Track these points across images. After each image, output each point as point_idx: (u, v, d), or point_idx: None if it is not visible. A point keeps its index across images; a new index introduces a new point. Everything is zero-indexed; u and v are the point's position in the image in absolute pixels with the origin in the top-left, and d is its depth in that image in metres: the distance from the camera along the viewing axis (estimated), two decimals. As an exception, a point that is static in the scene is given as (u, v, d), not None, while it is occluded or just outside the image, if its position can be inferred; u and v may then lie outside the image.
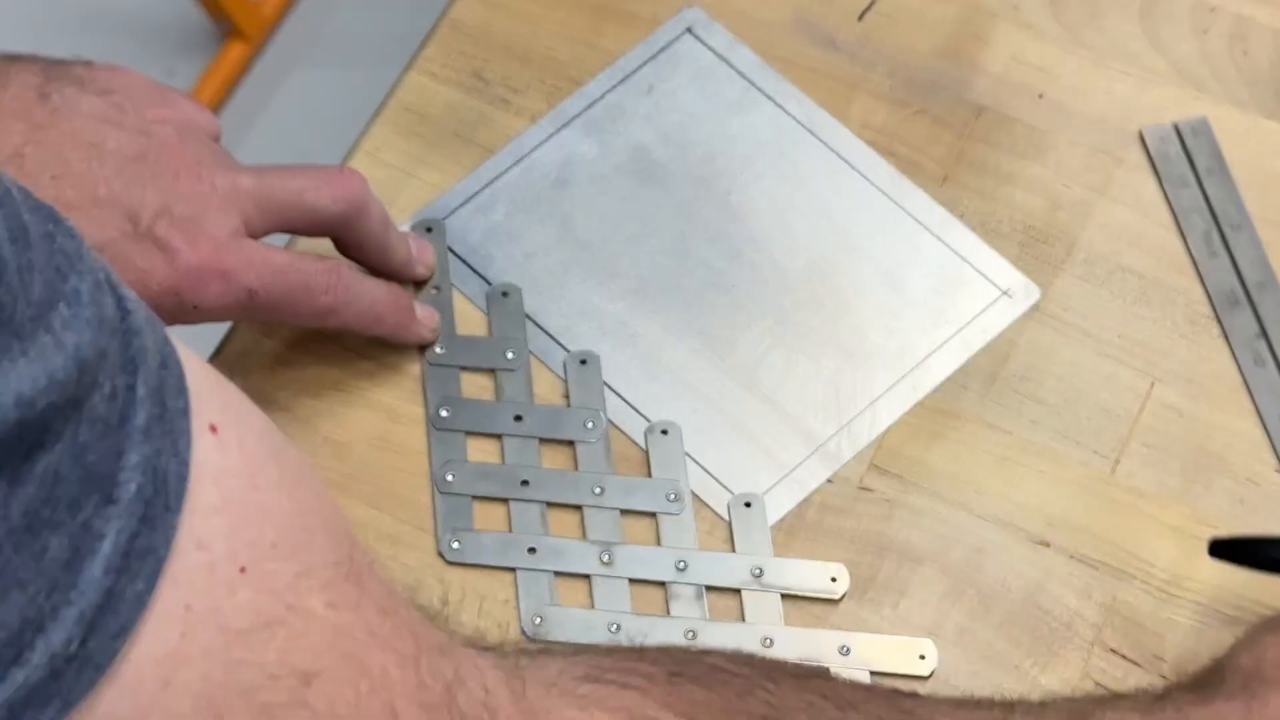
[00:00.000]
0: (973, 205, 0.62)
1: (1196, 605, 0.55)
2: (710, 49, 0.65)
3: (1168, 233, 0.61)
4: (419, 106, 0.65)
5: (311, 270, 0.54)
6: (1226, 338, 0.59)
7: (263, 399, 0.59)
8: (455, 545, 0.56)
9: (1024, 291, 0.60)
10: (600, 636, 0.54)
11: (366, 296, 0.56)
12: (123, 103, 0.52)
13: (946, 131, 0.63)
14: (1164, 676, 0.54)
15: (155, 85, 0.54)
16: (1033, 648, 0.54)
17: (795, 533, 0.56)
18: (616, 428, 0.58)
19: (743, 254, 0.61)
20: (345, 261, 0.56)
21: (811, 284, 0.60)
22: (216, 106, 1.51)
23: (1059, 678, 0.54)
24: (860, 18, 0.66)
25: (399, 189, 0.63)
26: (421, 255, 0.59)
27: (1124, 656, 0.54)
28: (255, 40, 1.53)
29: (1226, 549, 0.52)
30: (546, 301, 0.60)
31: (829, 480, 0.57)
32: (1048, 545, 0.56)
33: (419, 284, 0.60)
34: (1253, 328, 0.57)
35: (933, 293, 0.60)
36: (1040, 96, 0.64)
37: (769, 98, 0.64)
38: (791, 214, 0.62)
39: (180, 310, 0.51)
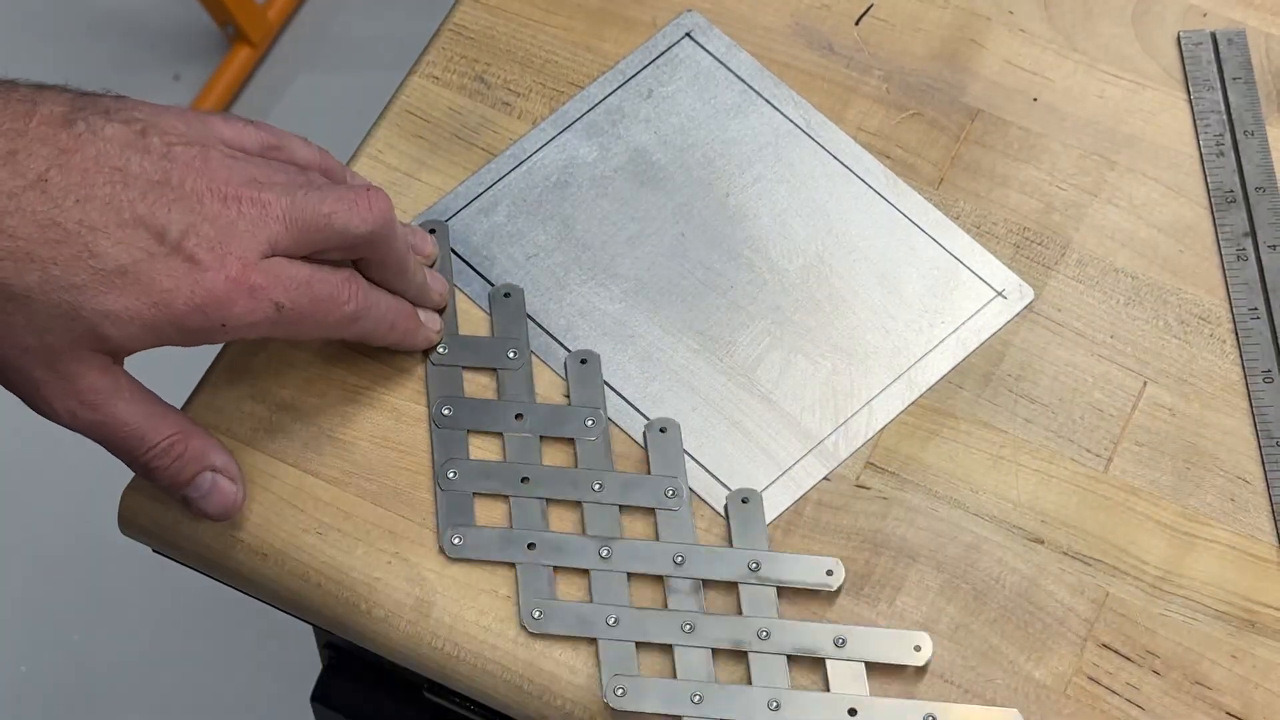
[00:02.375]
0: (968, 207, 0.62)
1: (1188, 601, 0.56)
2: (709, 53, 0.66)
3: (1160, 234, 0.62)
4: (422, 110, 0.65)
5: (335, 280, 0.54)
6: (1216, 233, 0.61)
7: (268, 398, 0.60)
8: (456, 541, 0.56)
9: (1018, 292, 0.61)
10: (599, 630, 0.55)
11: (383, 303, 0.57)
12: (147, 129, 0.52)
13: (942, 134, 0.64)
14: (1156, 672, 0.54)
15: (186, 111, 0.55)
16: (1026, 643, 0.55)
17: (792, 530, 0.57)
18: (616, 426, 0.59)
19: (741, 255, 0.62)
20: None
21: (809, 284, 0.61)
22: (223, 109, 1.52)
23: (1052, 672, 0.54)
24: (857, 22, 0.66)
25: (402, 191, 0.64)
26: (434, 283, 0.60)
27: (1116, 652, 0.55)
28: (261, 45, 1.54)
29: None
30: (548, 302, 0.61)
31: (826, 478, 0.58)
32: (1041, 542, 0.57)
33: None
34: (1243, 226, 0.60)
35: (928, 293, 0.61)
36: (1034, 100, 0.64)
37: (767, 101, 0.65)
38: (789, 215, 0.62)
39: (207, 329, 0.52)
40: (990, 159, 0.63)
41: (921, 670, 0.54)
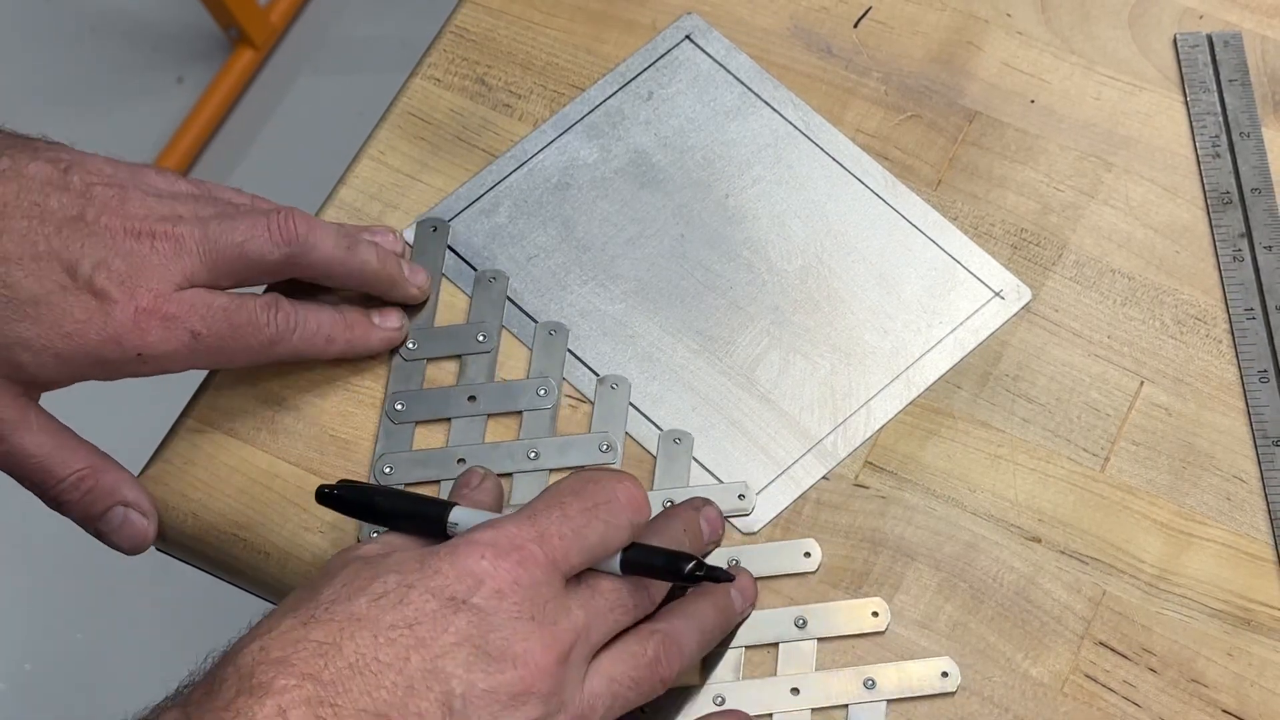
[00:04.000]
0: (965, 208, 0.63)
1: (1184, 599, 0.56)
2: (709, 55, 0.66)
3: (1156, 234, 0.62)
4: (424, 112, 0.66)
5: (254, 305, 0.55)
6: (1213, 234, 0.61)
7: (271, 398, 0.60)
8: (374, 536, 0.56)
9: (1015, 293, 0.61)
10: None
11: (311, 320, 0.57)
12: (70, 168, 0.53)
13: (940, 136, 0.64)
14: (1152, 670, 0.55)
15: (118, 160, 0.55)
16: (1023, 641, 0.55)
17: (791, 528, 0.57)
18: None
19: (740, 256, 0.62)
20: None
21: (807, 285, 0.61)
22: (225, 111, 1.52)
23: (1049, 670, 0.55)
24: (855, 25, 0.67)
25: (404, 193, 0.64)
26: (414, 277, 0.60)
27: (1113, 649, 0.55)
28: (263, 47, 1.54)
29: (335, 499, 0.51)
30: (549, 302, 0.61)
31: (825, 477, 0.58)
32: (1038, 541, 0.57)
33: (414, 307, 0.61)
34: (1239, 227, 0.60)
35: (926, 294, 0.61)
36: (1032, 102, 0.65)
37: (766, 103, 0.65)
38: (788, 217, 0.63)
39: (125, 360, 0.53)
40: (988, 160, 0.64)
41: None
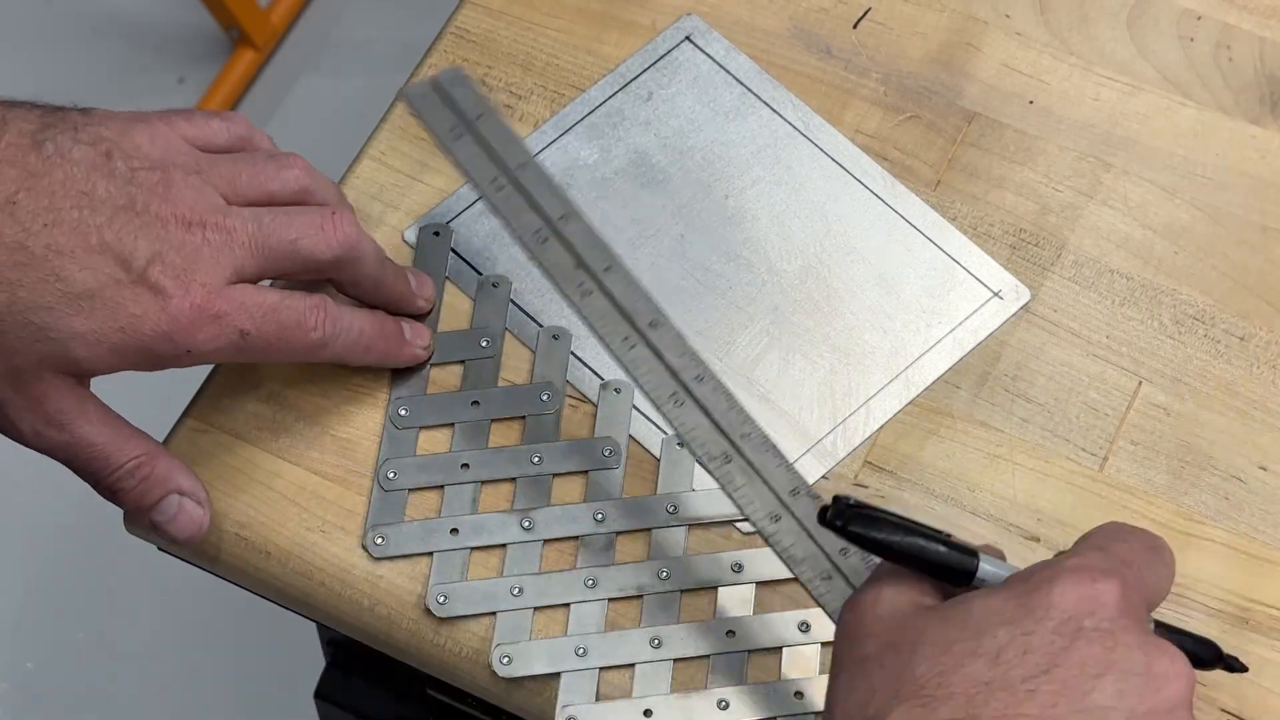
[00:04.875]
0: (964, 209, 0.63)
1: (1182, 599, 0.56)
2: (709, 56, 0.66)
3: (1155, 235, 0.62)
4: (424, 113, 0.66)
5: (302, 307, 0.55)
6: None
7: (273, 397, 0.60)
8: (379, 542, 0.57)
9: (1014, 293, 0.61)
10: (501, 603, 0.56)
11: (355, 327, 0.57)
12: (112, 151, 0.52)
13: (939, 137, 0.64)
14: (1151, 669, 0.55)
15: (152, 123, 0.55)
16: (1022, 640, 0.55)
17: (790, 528, 0.58)
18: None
19: (740, 256, 0.62)
20: (331, 294, 0.57)
21: (807, 285, 0.62)
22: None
23: (1047, 669, 0.55)
24: (855, 26, 0.67)
25: (404, 193, 0.64)
26: (421, 290, 0.60)
27: (1111, 649, 0.55)
28: (264, 48, 1.54)
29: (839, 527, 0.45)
30: (549, 303, 0.62)
31: (824, 477, 0.58)
32: (1037, 540, 0.57)
33: (419, 317, 0.61)
34: None
35: (925, 294, 0.61)
36: (1030, 103, 0.65)
37: (766, 104, 0.65)
38: (788, 217, 0.63)
39: (174, 355, 0.52)
40: (987, 161, 0.64)
41: None
